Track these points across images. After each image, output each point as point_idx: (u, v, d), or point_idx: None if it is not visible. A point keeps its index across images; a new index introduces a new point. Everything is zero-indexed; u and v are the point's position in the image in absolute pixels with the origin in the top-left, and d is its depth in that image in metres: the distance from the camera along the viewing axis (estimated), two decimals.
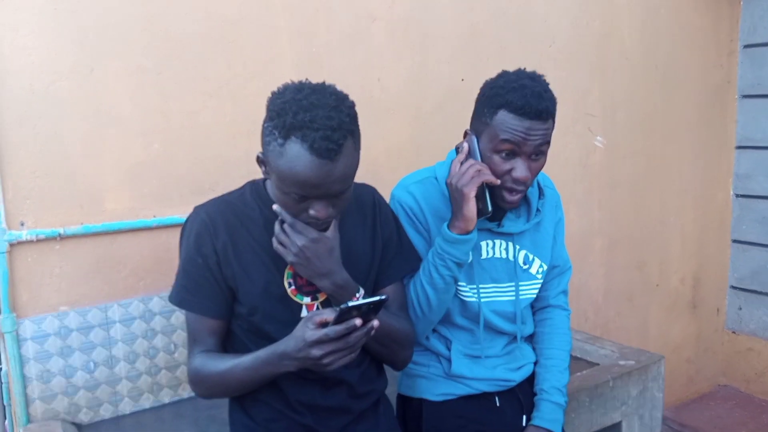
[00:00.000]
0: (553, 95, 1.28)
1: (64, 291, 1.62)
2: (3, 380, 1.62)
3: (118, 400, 1.71)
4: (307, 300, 1.21)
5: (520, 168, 1.27)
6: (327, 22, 1.95)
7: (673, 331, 3.14)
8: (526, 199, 1.43)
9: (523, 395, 1.48)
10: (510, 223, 1.41)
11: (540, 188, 1.45)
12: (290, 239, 1.12)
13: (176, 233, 1.71)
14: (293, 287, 1.20)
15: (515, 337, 1.47)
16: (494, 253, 1.42)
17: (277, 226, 1.13)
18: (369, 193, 1.32)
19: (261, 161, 1.14)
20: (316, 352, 1.03)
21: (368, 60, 2.04)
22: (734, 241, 3.27)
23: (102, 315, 1.66)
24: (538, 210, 1.43)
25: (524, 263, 1.44)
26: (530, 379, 1.51)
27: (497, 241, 1.42)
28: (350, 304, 1.01)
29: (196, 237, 1.18)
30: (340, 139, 1.03)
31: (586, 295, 2.70)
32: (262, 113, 1.80)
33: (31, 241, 1.55)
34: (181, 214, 1.73)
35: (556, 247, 1.51)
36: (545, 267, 1.47)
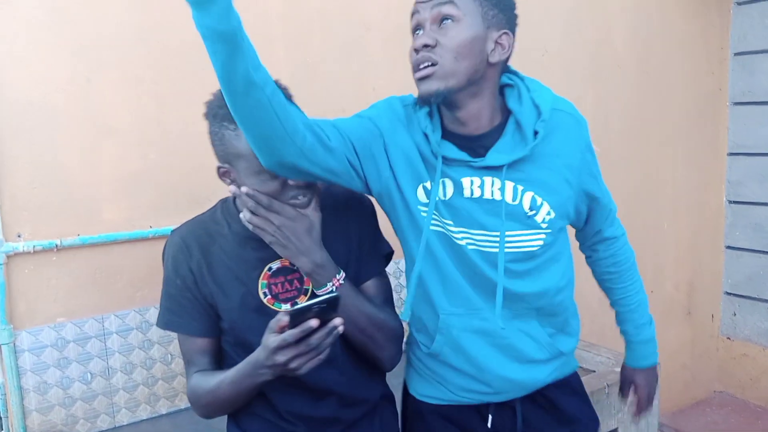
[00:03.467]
0: None
1: (61, 302, 1.62)
2: (0, 392, 1.61)
3: (116, 411, 1.70)
4: (286, 307, 1.21)
5: (416, 38, 1.13)
6: (322, 32, 1.96)
7: (668, 338, 3.15)
8: (517, 124, 1.18)
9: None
10: (497, 155, 1.17)
11: (537, 108, 1.18)
12: (267, 219, 1.12)
13: None
14: (269, 296, 1.21)
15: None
16: (483, 194, 1.19)
17: (245, 213, 1.14)
18: (344, 190, 1.30)
19: (224, 171, 1.17)
20: (281, 357, 1.03)
21: (363, 69, 2.06)
22: (728, 247, 3.30)
23: (99, 326, 1.66)
24: (536, 133, 1.17)
25: (530, 209, 1.20)
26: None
27: (486, 179, 1.19)
28: (298, 306, 1.00)
29: (173, 260, 1.22)
30: None
31: (581, 302, 2.68)
32: None
33: (28, 253, 1.55)
34: (178, 224, 1.71)
35: (593, 185, 1.28)
36: (553, 214, 1.21)
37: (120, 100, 1.65)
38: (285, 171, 1.10)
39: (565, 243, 1.31)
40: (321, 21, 1.95)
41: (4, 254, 1.53)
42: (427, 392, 1.35)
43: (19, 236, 1.56)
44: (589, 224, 1.36)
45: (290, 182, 1.13)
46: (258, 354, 1.07)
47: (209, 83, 1.76)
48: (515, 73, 1.24)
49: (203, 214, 1.28)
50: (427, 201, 1.21)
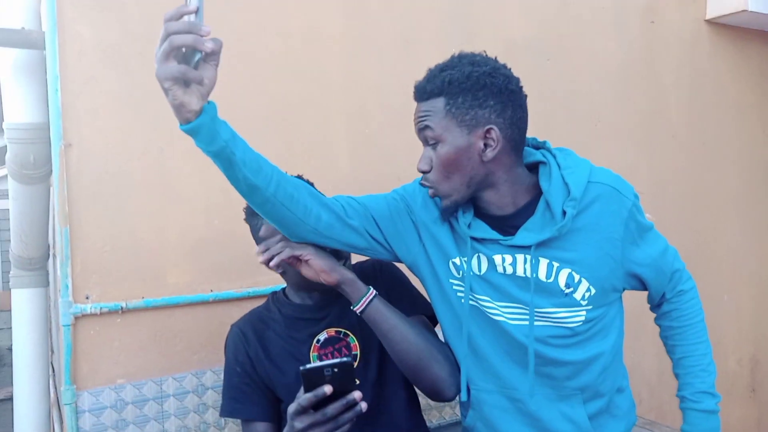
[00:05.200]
0: (457, 74, 1.12)
1: (122, 364, 1.65)
2: None
3: None
4: None
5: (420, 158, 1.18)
6: (379, 103, 2.03)
7: (731, 416, 2.99)
8: (546, 203, 1.16)
9: None
10: (526, 234, 1.16)
11: (567, 186, 1.15)
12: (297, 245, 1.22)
13: (231, 308, 1.76)
14: None
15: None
16: (515, 271, 1.18)
17: (276, 259, 1.22)
18: (371, 262, 1.43)
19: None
20: (298, 424, 1.05)
21: (418, 139, 2.10)
22: None
23: (157, 388, 1.68)
24: (564, 213, 1.14)
25: (567, 286, 1.17)
26: None
27: (518, 256, 1.17)
28: (308, 366, 1.02)
29: (233, 349, 1.36)
30: None
31: (639, 376, 2.62)
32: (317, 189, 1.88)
33: (95, 314, 1.60)
34: (237, 288, 1.77)
35: (643, 254, 1.23)
36: (593, 291, 1.17)
37: (189, 170, 1.72)
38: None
39: (615, 318, 1.27)
40: (378, 94, 2.02)
41: (73, 315, 1.58)
42: None
43: (87, 298, 1.61)
44: (653, 290, 1.31)
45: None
46: (286, 426, 1.10)
47: (273, 153, 1.84)
48: (549, 150, 1.23)
49: (258, 306, 1.43)
50: (459, 275, 1.23)
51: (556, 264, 1.16)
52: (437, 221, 1.25)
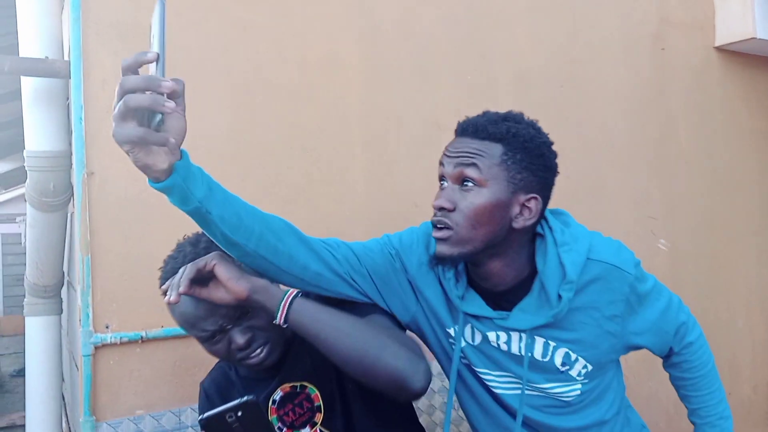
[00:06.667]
0: (522, 131, 1.05)
1: (141, 394, 1.63)
2: None
3: None
4: (305, 431, 1.21)
5: (438, 194, 1.07)
6: (397, 131, 2.04)
7: None
8: (541, 284, 1.09)
9: None
10: (521, 315, 1.10)
11: (563, 267, 1.08)
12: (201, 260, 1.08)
13: None
14: (286, 428, 1.20)
15: None
16: (509, 349, 1.14)
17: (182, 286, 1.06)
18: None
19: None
20: None
21: (434, 165, 2.09)
22: None
23: (175, 419, 1.66)
24: (560, 296, 1.07)
25: (563, 364, 1.14)
26: None
27: (513, 335, 1.13)
28: (205, 415, 0.91)
29: (200, 411, 1.33)
30: None
31: (656, 405, 2.58)
32: (335, 217, 1.88)
33: (114, 344, 1.59)
34: None
35: (647, 323, 1.19)
36: (590, 368, 1.14)
37: None
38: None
39: (612, 379, 1.24)
40: (396, 122, 2.03)
41: (93, 345, 1.57)
42: None
43: (107, 327, 1.60)
44: (657, 351, 1.28)
45: (232, 345, 1.16)
46: None
47: (292, 181, 1.85)
48: (546, 219, 1.16)
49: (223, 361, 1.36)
50: (454, 342, 1.21)
51: (552, 343, 1.12)
52: (431, 286, 1.19)
